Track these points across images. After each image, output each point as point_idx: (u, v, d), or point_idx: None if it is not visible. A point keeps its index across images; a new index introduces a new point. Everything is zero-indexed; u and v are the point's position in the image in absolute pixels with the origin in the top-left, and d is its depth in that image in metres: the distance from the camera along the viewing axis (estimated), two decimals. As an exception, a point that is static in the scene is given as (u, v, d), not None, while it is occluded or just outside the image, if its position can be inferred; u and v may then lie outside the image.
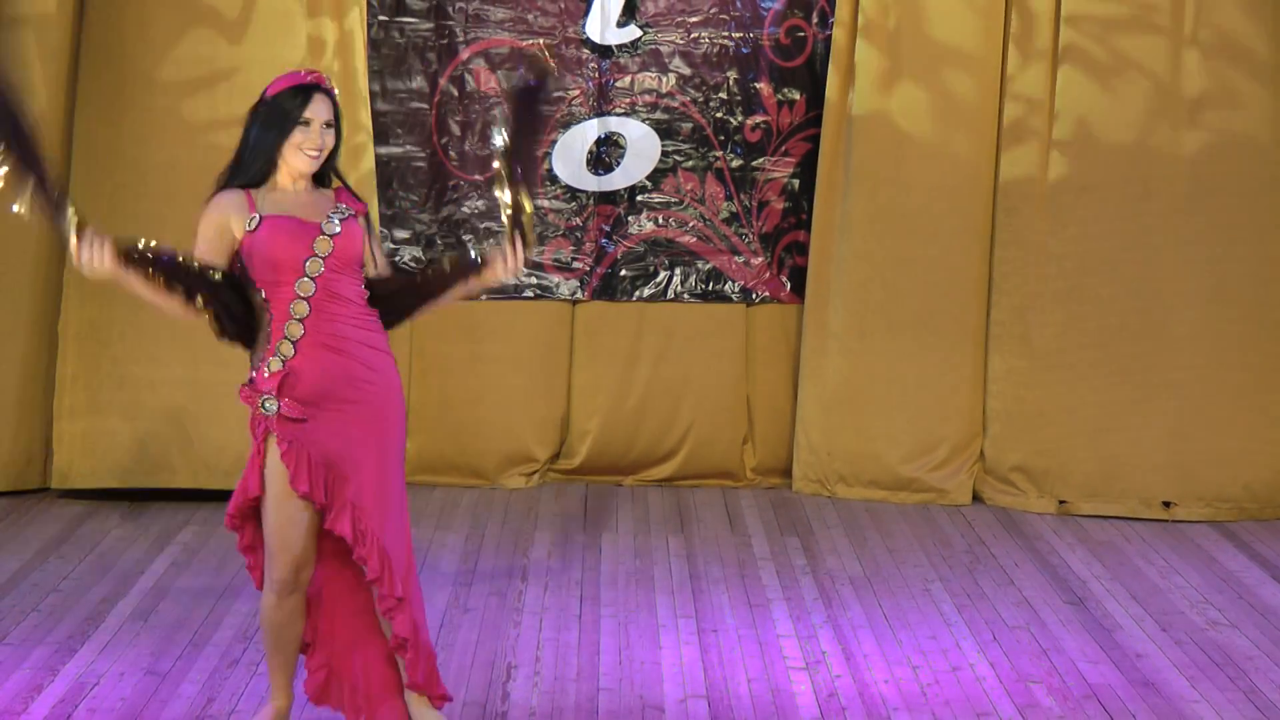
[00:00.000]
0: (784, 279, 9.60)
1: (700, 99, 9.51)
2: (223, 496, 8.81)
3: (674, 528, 8.69)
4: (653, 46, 9.49)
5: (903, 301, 9.27)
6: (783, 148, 9.55)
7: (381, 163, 9.36)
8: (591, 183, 9.52)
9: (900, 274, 9.26)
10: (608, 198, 9.53)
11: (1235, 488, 9.01)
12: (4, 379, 8.99)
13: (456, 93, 9.46)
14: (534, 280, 9.50)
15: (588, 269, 9.54)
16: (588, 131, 9.49)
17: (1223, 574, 8.00)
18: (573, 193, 9.52)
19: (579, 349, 9.60)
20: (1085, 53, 9.08)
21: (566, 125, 9.48)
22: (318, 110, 5.59)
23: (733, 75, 9.52)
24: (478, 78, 9.44)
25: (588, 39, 9.47)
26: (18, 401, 9.03)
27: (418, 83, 9.45)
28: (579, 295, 9.58)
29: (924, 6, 9.17)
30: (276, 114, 5.61)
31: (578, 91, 9.47)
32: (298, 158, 5.58)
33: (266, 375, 5.52)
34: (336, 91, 5.72)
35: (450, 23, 9.44)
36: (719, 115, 9.52)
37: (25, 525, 8.50)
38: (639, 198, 9.54)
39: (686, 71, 9.50)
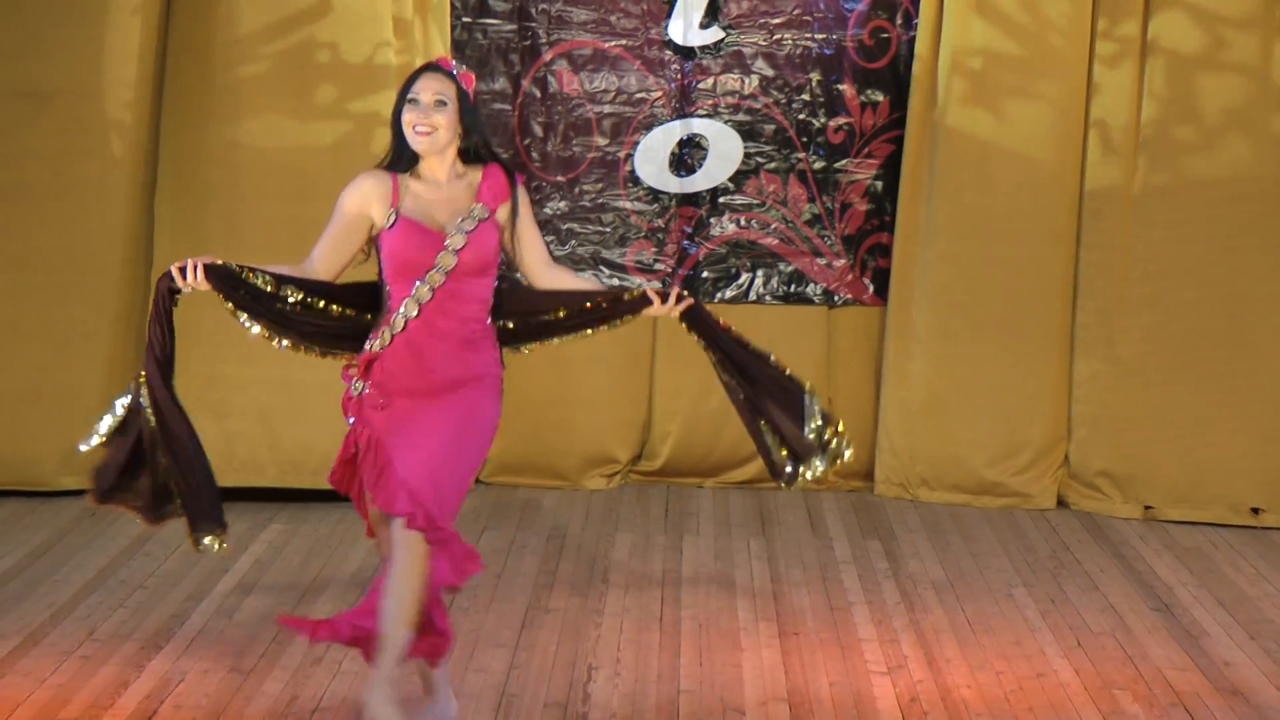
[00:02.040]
0: (866, 281, 9.58)
1: (783, 100, 9.49)
2: (309, 496, 8.92)
3: (755, 530, 8.68)
4: (735, 48, 9.48)
5: (987, 304, 9.23)
6: (865, 149, 9.53)
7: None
8: (674, 184, 9.52)
9: (984, 277, 9.22)
10: (690, 199, 9.52)
11: (1324, 494, 8.95)
12: (90, 378, 9.05)
13: (539, 94, 9.48)
14: (616, 282, 9.50)
15: (670, 271, 9.54)
16: (670, 133, 9.49)
17: (1311, 581, 7.95)
18: (655, 194, 9.52)
19: (661, 351, 9.60)
20: (1173, 54, 9.01)
21: (649, 127, 9.48)
22: (426, 86, 5.59)
23: (815, 77, 9.50)
24: (560, 79, 9.45)
25: (670, 40, 9.47)
26: (102, 401, 9.07)
27: (500, 84, 9.47)
28: (658, 299, 9.56)
29: (1009, 7, 9.12)
30: (399, 100, 5.64)
31: (660, 93, 9.47)
32: (411, 138, 5.60)
33: (365, 353, 5.67)
34: (459, 69, 5.70)
35: (533, 24, 9.45)
36: (801, 117, 9.50)
37: (112, 522, 8.55)
38: (721, 199, 9.53)
39: (769, 73, 9.49)
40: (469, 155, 5.70)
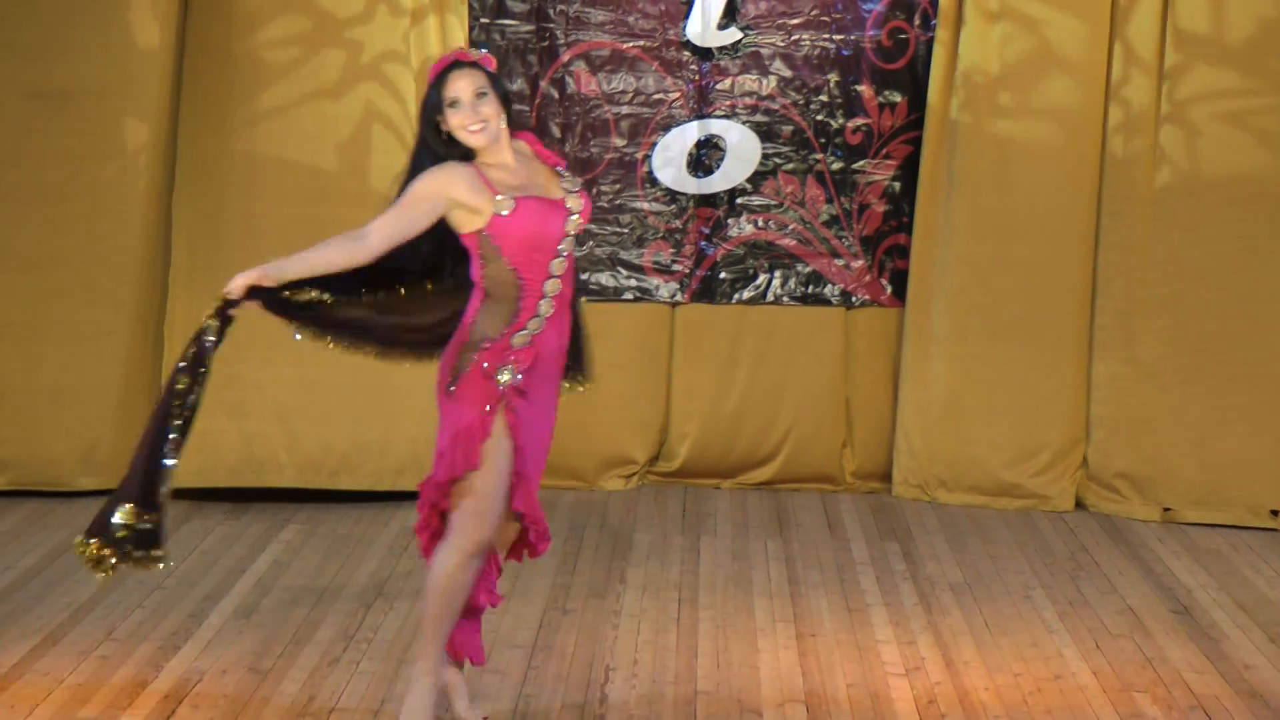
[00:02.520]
0: (884, 282, 9.56)
1: (801, 101, 9.48)
2: (326, 496, 8.93)
3: (773, 531, 8.68)
4: (753, 49, 9.48)
5: (1005, 306, 9.22)
6: (884, 150, 9.52)
7: (483, 164, 9.38)
8: (691, 185, 9.52)
9: (1002, 278, 9.21)
10: (707, 200, 9.52)
11: (1344, 496, 8.93)
12: (108, 378, 9.06)
13: (557, 95, 9.48)
14: (634, 283, 9.50)
15: (687, 271, 9.53)
16: (688, 134, 9.48)
17: (1330, 584, 7.93)
18: (672, 195, 9.51)
19: (678, 351, 9.60)
20: (1191, 54, 8.99)
21: (666, 128, 9.48)
22: (461, 85, 5.55)
23: (834, 77, 9.49)
24: (578, 80, 9.45)
25: (688, 41, 9.46)
26: (120, 401, 9.11)
27: (518, 85, 9.47)
28: (678, 298, 9.58)
29: (1028, 8, 9.11)
30: (430, 108, 5.61)
31: (678, 94, 9.47)
32: (468, 139, 5.56)
33: (514, 346, 5.58)
34: (476, 55, 5.66)
35: (551, 25, 9.45)
36: (819, 118, 9.50)
37: (129, 522, 8.57)
38: (739, 200, 9.52)
39: (787, 74, 9.48)
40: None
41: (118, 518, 5.63)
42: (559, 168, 5.74)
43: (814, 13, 9.46)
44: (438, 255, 5.72)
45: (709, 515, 8.99)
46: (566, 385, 5.96)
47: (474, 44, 9.38)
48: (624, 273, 9.48)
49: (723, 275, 9.55)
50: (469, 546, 5.67)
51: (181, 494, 9.01)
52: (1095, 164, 9.18)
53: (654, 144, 9.48)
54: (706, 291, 9.56)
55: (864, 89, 9.49)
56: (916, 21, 9.44)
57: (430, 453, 9.04)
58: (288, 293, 5.76)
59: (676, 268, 9.53)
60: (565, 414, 9.40)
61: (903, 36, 9.46)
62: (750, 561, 8.10)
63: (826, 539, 8.55)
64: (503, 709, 6.10)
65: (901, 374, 9.45)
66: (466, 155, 5.62)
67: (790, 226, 9.55)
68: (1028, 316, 9.21)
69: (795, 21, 9.47)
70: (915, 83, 9.46)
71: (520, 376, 5.59)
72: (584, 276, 9.47)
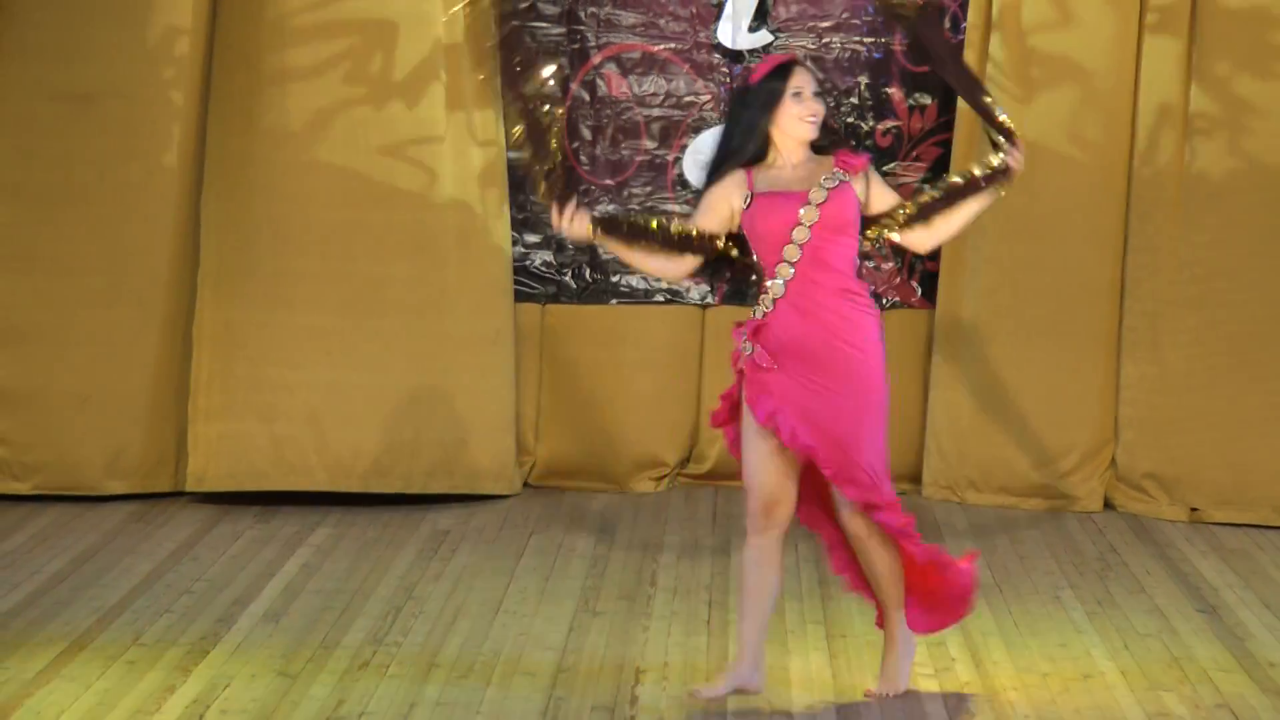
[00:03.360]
0: (914, 284, 9.56)
1: (831, 104, 9.48)
2: (356, 499, 8.96)
3: (803, 533, 8.55)
4: (784, 51, 9.48)
5: (1033, 307, 9.20)
6: (914, 153, 9.52)
7: (513, 167, 9.41)
8: (722, 187, 9.51)
9: (1031, 279, 9.19)
10: (737, 201, 9.51)
11: (1369, 496, 8.89)
12: (137, 381, 9.09)
13: (588, 97, 9.49)
14: (664, 285, 9.50)
15: (718, 274, 9.53)
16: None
17: (1358, 583, 7.90)
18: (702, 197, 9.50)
19: (709, 353, 9.59)
20: (1221, 55, 8.97)
21: (697, 130, 9.48)
22: (803, 82, 6.19)
23: (864, 80, 9.49)
24: (609, 82, 9.47)
25: (719, 44, 9.47)
26: (151, 404, 9.14)
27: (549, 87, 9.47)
28: (709, 300, 9.59)
29: (1058, 10, 9.09)
30: (768, 95, 6.18)
31: (709, 96, 9.47)
32: (798, 127, 6.16)
33: (753, 318, 6.15)
34: (807, 61, 6.47)
35: (581, 27, 9.47)
36: (850, 120, 9.50)
37: (158, 527, 8.62)
38: (769, 202, 9.51)
39: (818, 76, 9.45)
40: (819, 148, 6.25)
41: None
42: (843, 171, 6.20)
43: (844, 15, 9.46)
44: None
45: (739, 517, 8.88)
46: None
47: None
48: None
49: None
50: (748, 520, 6.19)
51: (210, 498, 9.08)
52: (1124, 165, 9.16)
53: (684, 146, 9.50)
54: (737, 293, 9.55)
55: (894, 91, 9.49)
56: (946, 24, 9.43)
57: (461, 451, 9.12)
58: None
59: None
60: (595, 416, 9.49)
61: (932, 38, 9.44)
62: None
63: (856, 540, 8.54)
64: (533, 710, 6.10)
65: (932, 376, 9.45)
66: (762, 149, 6.21)
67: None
68: (1056, 318, 9.19)
69: (826, 24, 9.48)
70: (945, 85, 9.45)
71: (755, 349, 6.10)
72: (614, 279, 9.49)
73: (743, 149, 6.21)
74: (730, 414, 6.26)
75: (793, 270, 6.11)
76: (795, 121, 6.17)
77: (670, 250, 6.22)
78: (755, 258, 6.22)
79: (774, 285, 6.13)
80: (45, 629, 6.94)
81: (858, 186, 6.21)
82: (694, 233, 6.20)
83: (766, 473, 6.10)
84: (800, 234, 6.11)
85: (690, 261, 6.27)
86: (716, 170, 6.24)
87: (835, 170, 6.18)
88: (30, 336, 9.06)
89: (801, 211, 6.11)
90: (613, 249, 6.30)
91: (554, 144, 6.26)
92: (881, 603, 6.31)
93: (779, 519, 6.16)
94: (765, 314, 6.13)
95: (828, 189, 6.14)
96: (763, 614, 6.18)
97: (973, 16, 9.22)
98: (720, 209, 6.21)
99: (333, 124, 9.05)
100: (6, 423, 9.07)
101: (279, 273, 9.07)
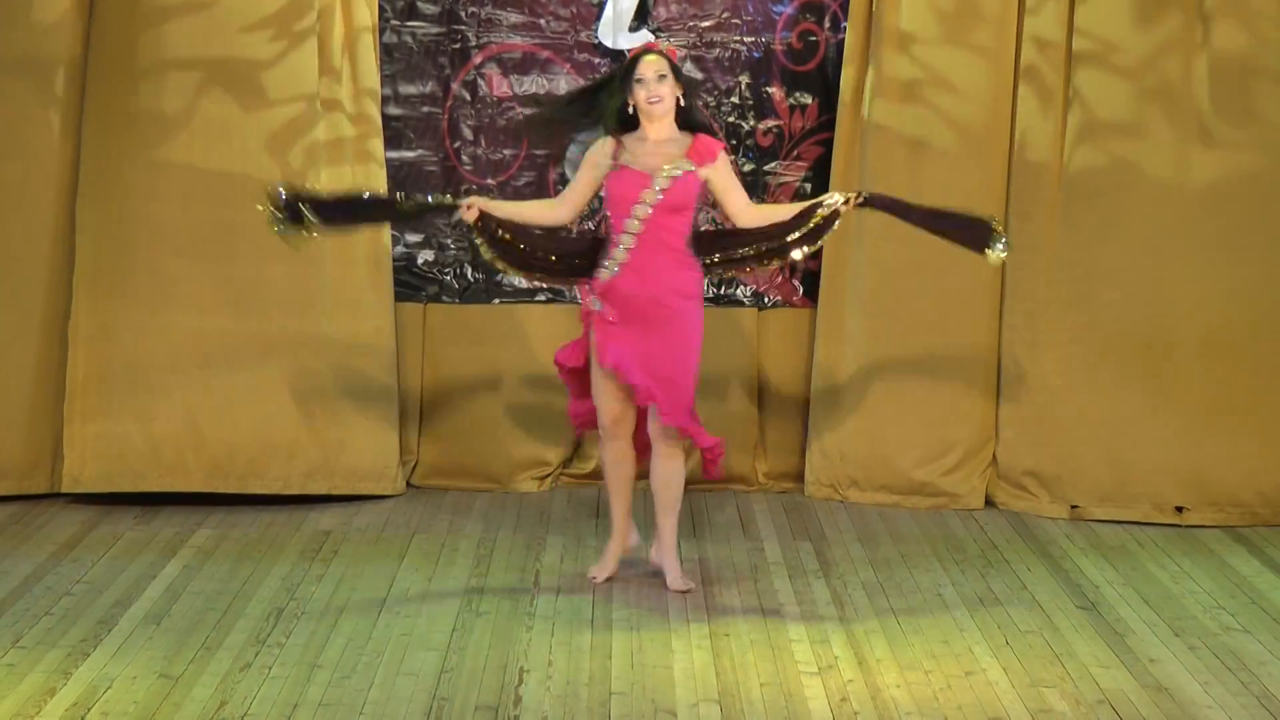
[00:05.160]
0: (796, 283, 9.60)
1: (712, 103, 9.51)
2: (235, 500, 8.90)
3: (686, 532, 8.68)
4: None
5: (915, 306, 9.26)
6: (794, 152, 9.55)
7: (394, 167, 9.37)
8: (604, 187, 9.52)
9: (912, 279, 9.25)
10: (620, 201, 9.51)
11: (1248, 492, 9.00)
12: (14, 382, 9.00)
13: (469, 96, 9.47)
14: (544, 285, 9.48)
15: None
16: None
17: (1235, 579, 7.98)
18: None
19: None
20: (1096, 58, 9.07)
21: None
22: (648, 70, 7.38)
23: (744, 79, 9.52)
24: (490, 82, 9.44)
25: (600, 43, 9.47)
26: (28, 405, 9.04)
27: (430, 87, 9.46)
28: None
29: (936, 10, 9.16)
30: (624, 76, 7.43)
31: (590, 96, 9.46)
32: (645, 109, 7.39)
33: (600, 280, 7.44)
34: (667, 46, 7.61)
35: (462, 27, 9.44)
36: (731, 120, 9.52)
37: (36, 529, 8.52)
38: (651, 202, 9.53)
39: (698, 75, 9.50)
40: (684, 123, 7.49)
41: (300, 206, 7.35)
42: (691, 161, 7.46)
43: (724, 15, 9.49)
44: None
45: (622, 517, 8.98)
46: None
47: (385, 46, 9.36)
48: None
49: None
50: (600, 431, 7.70)
51: (90, 499, 8.98)
52: (1004, 165, 9.24)
53: (567, 146, 9.48)
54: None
55: (775, 91, 9.53)
56: (826, 24, 9.48)
57: (341, 452, 9.07)
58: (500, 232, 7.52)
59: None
60: (478, 416, 9.46)
61: (813, 39, 9.50)
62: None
63: (740, 539, 8.57)
64: (416, 710, 6.09)
65: (814, 374, 9.49)
66: (635, 123, 7.47)
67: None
68: (937, 317, 9.26)
69: (706, 24, 9.50)
70: (825, 85, 9.51)
71: (602, 305, 7.46)
72: (496, 278, 9.45)
73: (604, 113, 7.46)
74: (573, 354, 7.67)
75: (635, 240, 7.43)
76: (643, 104, 7.39)
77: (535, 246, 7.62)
78: (609, 218, 7.49)
79: (618, 252, 7.43)
80: (-78, 633, 6.87)
81: (705, 173, 7.47)
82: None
83: (612, 399, 7.57)
84: (642, 211, 7.43)
85: (561, 211, 7.63)
86: (573, 115, 7.68)
87: (686, 159, 7.44)
88: (-96, 337, 8.95)
89: (644, 193, 7.41)
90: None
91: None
92: (663, 507, 7.71)
93: (624, 429, 7.64)
94: (610, 277, 7.43)
95: (672, 177, 7.42)
96: (627, 498, 7.78)
97: (853, 15, 9.26)
98: (591, 171, 7.52)
99: (209, 123, 8.97)
100: (-120, 425, 8.96)
101: (156, 273, 8.99)
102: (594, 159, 7.52)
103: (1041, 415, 9.19)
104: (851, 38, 9.29)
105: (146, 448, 8.97)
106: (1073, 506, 9.13)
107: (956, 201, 9.12)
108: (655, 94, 7.37)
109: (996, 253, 7.51)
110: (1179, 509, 9.01)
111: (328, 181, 8.98)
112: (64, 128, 8.99)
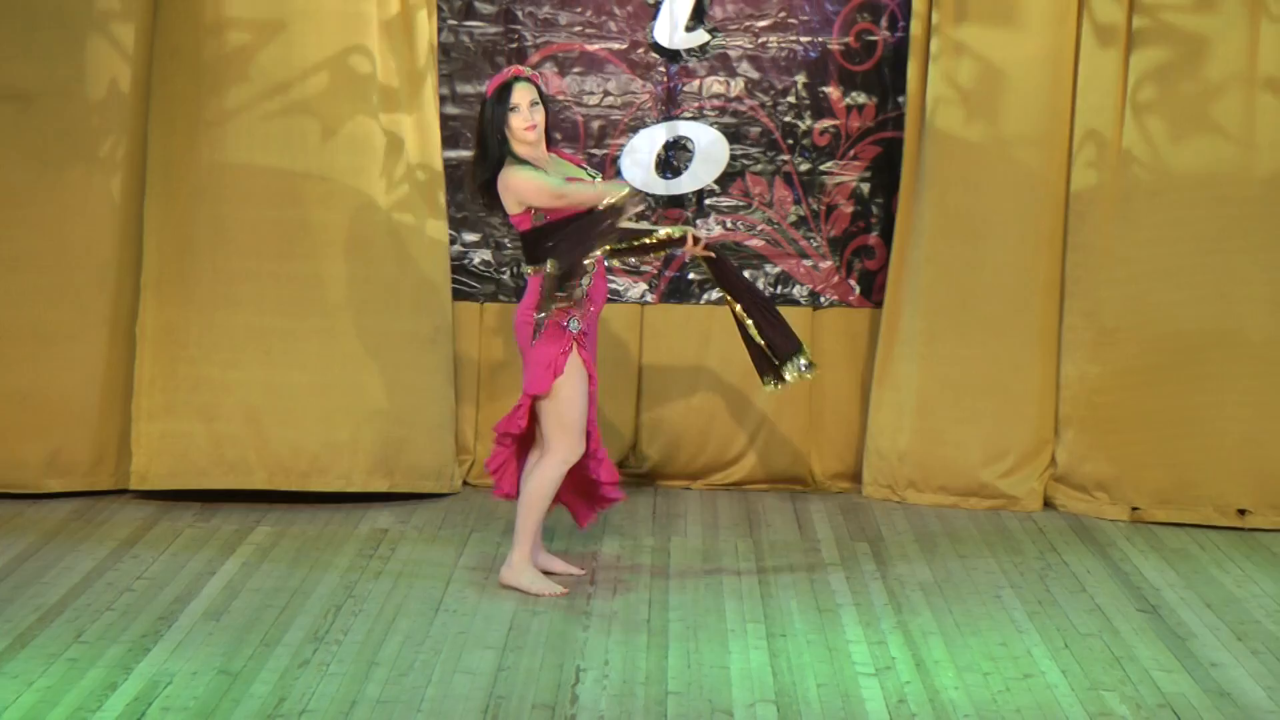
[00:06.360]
0: (852, 283, 9.58)
1: (768, 103, 9.50)
2: (296, 497, 8.92)
3: (743, 532, 8.68)
4: (721, 51, 9.49)
5: (974, 306, 9.23)
6: (851, 151, 9.54)
7: (451, 166, 9.38)
8: (660, 186, 9.52)
9: (970, 278, 9.22)
10: (676, 201, 9.53)
11: (1312, 495, 8.95)
12: (81, 381, 9.05)
13: (526, 96, 9.46)
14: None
15: (656, 273, 9.54)
16: (656, 136, 9.49)
17: (1298, 582, 7.96)
18: (641, 197, 9.52)
19: (648, 353, 9.60)
20: (1156, 50, 9.01)
21: (635, 129, 9.48)
22: (520, 98, 7.45)
23: (801, 79, 9.50)
24: (547, 82, 9.45)
25: (656, 43, 9.47)
26: (96, 403, 9.09)
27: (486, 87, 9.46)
28: (647, 299, 9.59)
29: (999, 12, 9.12)
30: (494, 110, 7.46)
31: (646, 96, 9.48)
32: (524, 136, 7.44)
33: (574, 297, 7.41)
34: (531, 74, 7.57)
35: (519, 27, 9.46)
36: (787, 119, 9.51)
37: (100, 525, 8.56)
38: (707, 201, 9.54)
39: (754, 75, 9.49)
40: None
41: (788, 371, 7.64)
42: (584, 168, 7.74)
43: (781, 15, 9.47)
44: None
45: (679, 516, 8.99)
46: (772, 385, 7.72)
47: (443, 46, 9.39)
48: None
49: (691, 276, 9.55)
50: (571, 457, 7.51)
51: (150, 496, 9.02)
52: (1062, 164, 9.20)
53: (622, 146, 9.49)
54: (675, 292, 9.57)
55: (831, 90, 9.51)
56: (884, 24, 9.46)
57: (401, 450, 9.09)
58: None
59: (645, 269, 9.54)
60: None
61: (870, 39, 9.48)
62: (720, 563, 8.10)
63: (796, 540, 8.56)
64: (473, 709, 6.10)
65: (871, 375, 9.47)
66: (508, 150, 7.48)
67: (758, 227, 9.56)
68: (996, 317, 9.23)
69: (762, 24, 9.49)
70: (882, 84, 9.48)
71: (581, 324, 7.44)
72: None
73: (492, 153, 7.46)
74: (515, 419, 7.65)
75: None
76: (519, 130, 7.45)
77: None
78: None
79: (590, 264, 7.44)
80: (-15, 627, 6.91)
81: None
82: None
83: (584, 417, 7.52)
84: None
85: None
86: (484, 165, 7.49)
87: (585, 168, 7.75)
88: (-29, 335, 9.02)
89: None
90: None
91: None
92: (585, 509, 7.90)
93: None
94: (588, 288, 7.48)
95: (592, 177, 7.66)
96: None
97: (916, 12, 9.24)
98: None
99: (273, 123, 9.00)
100: (-53, 422, 9.03)
101: (219, 272, 9.03)
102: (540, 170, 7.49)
103: (1101, 416, 9.15)
104: (916, 35, 9.24)
105: (209, 445, 9.01)
106: (1133, 509, 9.08)
107: (1014, 205, 9.14)
108: (533, 120, 7.44)
109: (797, 370, 7.63)
110: (1241, 511, 8.96)
111: (382, 179, 9.01)
112: (130, 128, 9.03)
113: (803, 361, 7.63)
